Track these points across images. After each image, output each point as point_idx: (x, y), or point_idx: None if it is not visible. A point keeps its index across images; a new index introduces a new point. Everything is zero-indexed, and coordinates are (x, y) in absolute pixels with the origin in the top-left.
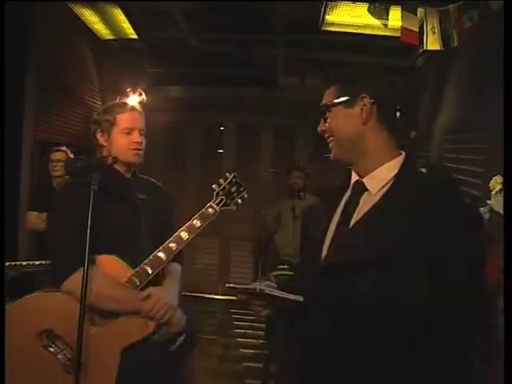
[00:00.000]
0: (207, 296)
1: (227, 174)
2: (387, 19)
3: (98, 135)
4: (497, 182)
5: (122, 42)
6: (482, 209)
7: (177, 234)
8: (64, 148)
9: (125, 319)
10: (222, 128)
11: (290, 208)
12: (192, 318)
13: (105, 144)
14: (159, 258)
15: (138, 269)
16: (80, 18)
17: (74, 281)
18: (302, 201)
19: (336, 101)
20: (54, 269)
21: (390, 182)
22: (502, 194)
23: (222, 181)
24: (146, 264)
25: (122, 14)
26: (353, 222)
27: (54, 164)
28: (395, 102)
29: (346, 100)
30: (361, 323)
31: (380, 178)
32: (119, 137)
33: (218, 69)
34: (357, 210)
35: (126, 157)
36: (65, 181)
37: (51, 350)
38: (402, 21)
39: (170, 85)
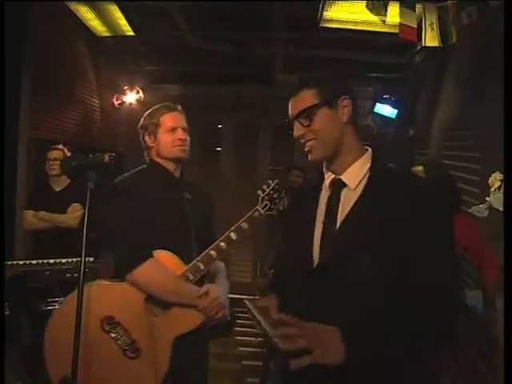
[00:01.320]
0: None
1: (270, 181)
2: (385, 15)
3: (146, 138)
4: (496, 179)
5: (118, 40)
6: (481, 206)
7: (226, 234)
8: (61, 146)
9: (178, 310)
10: (219, 126)
11: None
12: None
13: (152, 145)
14: (211, 255)
15: (191, 265)
16: (77, 16)
17: (141, 273)
18: None
19: (319, 102)
20: (118, 261)
21: (366, 176)
22: (502, 190)
23: (265, 187)
24: (198, 260)
25: (118, 11)
26: (339, 220)
27: (50, 163)
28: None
29: (330, 101)
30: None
31: (356, 173)
32: (164, 136)
33: (216, 67)
34: (340, 206)
35: (172, 153)
36: (63, 179)
37: (112, 335)
38: (401, 17)
39: (167, 83)
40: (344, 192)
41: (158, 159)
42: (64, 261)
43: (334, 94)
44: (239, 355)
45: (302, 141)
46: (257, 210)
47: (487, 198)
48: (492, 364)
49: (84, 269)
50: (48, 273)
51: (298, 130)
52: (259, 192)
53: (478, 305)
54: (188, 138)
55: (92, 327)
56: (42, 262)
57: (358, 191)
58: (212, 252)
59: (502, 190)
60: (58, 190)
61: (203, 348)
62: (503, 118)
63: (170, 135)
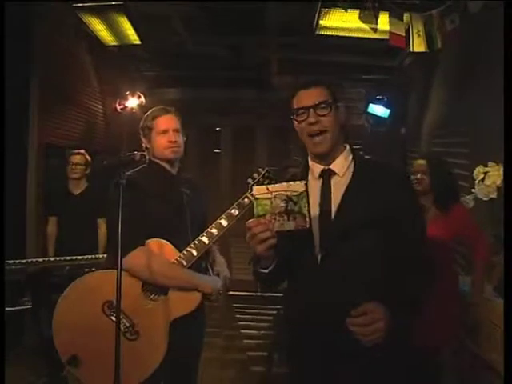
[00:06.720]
0: None
1: (260, 169)
2: (376, 24)
3: (143, 139)
4: (480, 172)
5: (122, 47)
6: (468, 197)
7: (217, 221)
8: (83, 151)
9: (175, 294)
10: (218, 129)
11: None
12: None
13: (148, 146)
14: (203, 241)
15: (184, 251)
16: (81, 23)
17: (131, 259)
18: None
19: (332, 100)
20: (112, 251)
21: (351, 165)
22: (485, 182)
23: (255, 175)
24: (191, 247)
25: (127, 21)
26: (333, 206)
27: (73, 167)
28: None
29: (336, 102)
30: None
31: (342, 163)
32: (157, 138)
33: (215, 71)
34: (332, 193)
35: (164, 154)
36: (82, 182)
37: (113, 318)
38: (390, 26)
39: (167, 87)
40: (333, 180)
41: (154, 159)
42: (80, 257)
43: (338, 97)
44: (245, 347)
45: (312, 133)
46: (246, 196)
47: (473, 190)
48: (477, 341)
49: (121, 257)
50: (67, 268)
51: (313, 117)
52: (249, 180)
53: (466, 287)
54: (180, 139)
55: (94, 311)
56: (60, 259)
57: (346, 178)
58: (204, 238)
59: (485, 181)
60: (76, 193)
61: (199, 331)
62: (503, 117)
63: (163, 137)
